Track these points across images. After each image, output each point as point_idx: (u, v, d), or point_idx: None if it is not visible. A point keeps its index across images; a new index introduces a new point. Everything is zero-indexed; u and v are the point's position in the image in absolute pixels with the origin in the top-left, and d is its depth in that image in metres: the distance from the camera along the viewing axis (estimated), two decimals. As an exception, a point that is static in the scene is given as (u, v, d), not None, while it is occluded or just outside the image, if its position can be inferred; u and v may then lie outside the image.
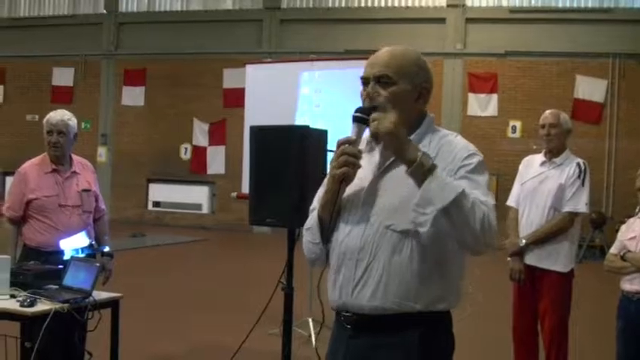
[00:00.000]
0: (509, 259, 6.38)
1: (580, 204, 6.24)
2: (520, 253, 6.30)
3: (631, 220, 5.80)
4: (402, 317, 2.91)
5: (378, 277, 2.91)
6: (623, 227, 5.82)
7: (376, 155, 3.06)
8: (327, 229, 3.07)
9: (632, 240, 5.60)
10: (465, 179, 2.88)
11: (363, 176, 2.99)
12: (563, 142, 6.42)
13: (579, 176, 6.26)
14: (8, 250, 5.72)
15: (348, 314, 3.02)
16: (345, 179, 2.92)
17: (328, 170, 3.10)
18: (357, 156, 2.90)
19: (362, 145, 3.01)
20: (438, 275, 2.93)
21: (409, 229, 2.86)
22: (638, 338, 5.44)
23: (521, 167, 6.63)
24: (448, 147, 2.99)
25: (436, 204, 2.71)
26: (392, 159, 2.97)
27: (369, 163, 3.03)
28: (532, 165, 6.54)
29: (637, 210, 5.75)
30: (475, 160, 2.96)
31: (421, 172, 2.76)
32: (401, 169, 2.89)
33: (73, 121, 6.00)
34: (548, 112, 6.52)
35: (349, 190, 3.00)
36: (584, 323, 9.60)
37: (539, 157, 6.51)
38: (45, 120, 5.97)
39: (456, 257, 3.00)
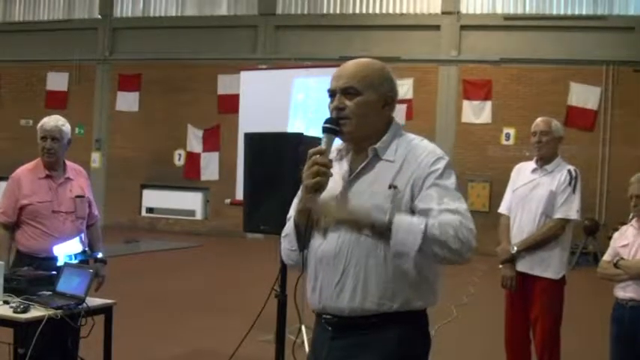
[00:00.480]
0: (500, 266, 6.39)
1: (571, 211, 6.25)
2: (512, 260, 6.31)
3: (624, 227, 5.81)
4: (381, 317, 3.05)
5: (356, 279, 3.05)
6: (616, 234, 5.83)
7: (344, 163, 3.21)
8: (303, 237, 3.18)
9: (625, 247, 5.61)
10: (435, 186, 3.01)
11: (335, 184, 3.11)
12: (555, 150, 6.45)
13: (570, 183, 6.28)
14: (1, 256, 5.70)
15: (328, 317, 3.15)
16: (318, 188, 3.01)
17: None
18: (328, 165, 3.02)
19: (332, 155, 3.16)
20: (414, 275, 3.01)
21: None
22: (632, 345, 5.45)
23: (512, 174, 6.66)
24: (415, 152, 3.11)
25: (410, 252, 2.91)
26: (360, 167, 3.13)
27: (339, 171, 3.16)
28: (523, 172, 6.56)
29: (630, 217, 5.77)
30: (441, 164, 3.07)
31: (383, 230, 2.94)
32: (369, 177, 3.11)
33: (67, 127, 5.99)
34: (539, 119, 6.54)
35: (321, 198, 3.08)
36: (578, 330, 9.61)
37: (531, 165, 6.53)
38: (39, 126, 5.96)
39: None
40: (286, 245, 3.28)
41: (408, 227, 2.91)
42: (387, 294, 3.03)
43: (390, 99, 3.18)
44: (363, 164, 3.12)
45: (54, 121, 5.94)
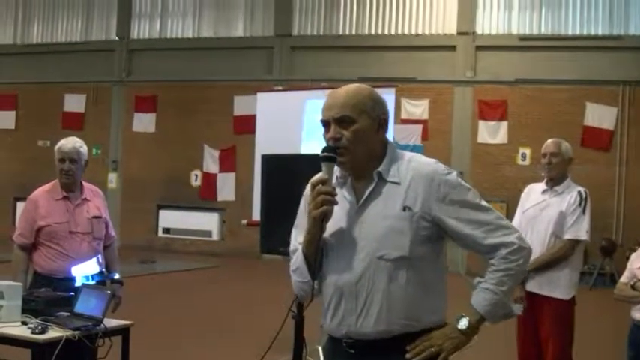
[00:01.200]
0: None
1: (581, 231, 6.28)
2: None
3: (641, 248, 5.80)
4: (406, 336, 3.09)
5: (380, 305, 3.08)
6: (633, 255, 5.83)
7: (349, 190, 3.22)
8: (313, 266, 3.20)
9: (642, 268, 5.60)
10: (461, 207, 3.13)
11: (341, 212, 3.15)
12: (565, 171, 6.50)
13: (580, 204, 6.32)
14: (19, 277, 5.73)
15: (350, 340, 3.16)
16: (325, 217, 3.08)
17: (304, 208, 3.32)
18: (333, 194, 3.09)
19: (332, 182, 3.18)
20: (430, 291, 3.14)
21: (402, 256, 3.07)
22: (649, 367, 5.43)
23: (522, 195, 6.71)
24: (420, 171, 3.15)
25: (509, 313, 3.22)
26: (368, 192, 3.15)
27: (342, 198, 3.18)
28: (533, 193, 6.61)
29: (647, 239, 5.75)
30: (456, 186, 3.15)
31: (477, 326, 3.15)
32: (379, 201, 3.14)
33: (84, 149, 6.04)
34: (549, 141, 6.61)
35: (330, 227, 3.14)
36: (594, 351, 9.56)
37: (541, 186, 6.58)
38: (57, 148, 6.00)
39: (440, 270, 3.25)
40: (297, 278, 3.30)
41: (494, 307, 3.12)
42: (411, 315, 3.08)
43: (383, 121, 3.21)
44: (370, 189, 3.14)
45: (72, 143, 5.98)
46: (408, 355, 3.05)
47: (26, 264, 5.95)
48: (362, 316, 3.09)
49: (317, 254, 3.16)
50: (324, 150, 3.14)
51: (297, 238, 3.32)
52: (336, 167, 3.16)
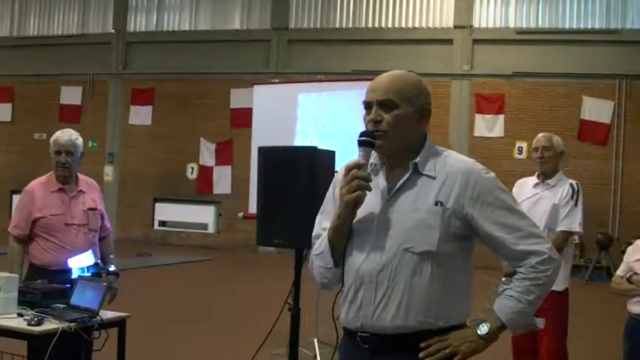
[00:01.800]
0: (503, 279, 6.39)
1: (574, 224, 6.32)
2: (514, 273, 6.30)
3: (638, 241, 5.79)
4: (423, 334, 2.99)
5: (400, 298, 2.98)
6: (630, 249, 5.82)
7: (381, 178, 3.12)
8: (338, 253, 3.11)
9: (638, 262, 5.59)
10: (497, 208, 3.04)
11: (371, 199, 3.04)
12: (557, 164, 6.56)
13: (572, 197, 6.36)
14: (14, 269, 5.72)
15: (365, 335, 3.06)
16: (357, 203, 2.98)
17: (332, 194, 3.21)
18: (368, 179, 2.99)
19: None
20: (455, 291, 3.05)
21: (429, 250, 2.97)
22: (645, 360, 5.43)
23: (515, 189, 6.71)
24: (455, 170, 3.06)
25: (532, 325, 3.14)
26: (401, 182, 3.05)
27: (374, 186, 3.07)
28: (526, 187, 6.65)
29: (643, 232, 5.75)
30: (493, 187, 3.08)
31: (498, 333, 3.05)
32: (412, 192, 3.04)
33: (80, 141, 6.03)
34: (540, 135, 6.67)
35: (359, 213, 3.04)
36: (591, 345, 9.58)
37: (533, 179, 6.64)
38: (52, 140, 5.98)
39: (467, 272, 3.15)
40: (319, 263, 3.18)
41: (517, 315, 3.03)
42: (431, 312, 2.98)
43: (426, 112, 3.12)
44: (403, 179, 3.05)
45: (68, 135, 5.96)
46: (421, 355, 2.96)
47: (22, 256, 5.94)
48: (380, 308, 2.99)
49: (344, 241, 3.08)
50: (362, 134, 3.04)
51: (322, 223, 3.22)
52: (372, 152, 3.08)
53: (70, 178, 6.00)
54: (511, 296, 3.03)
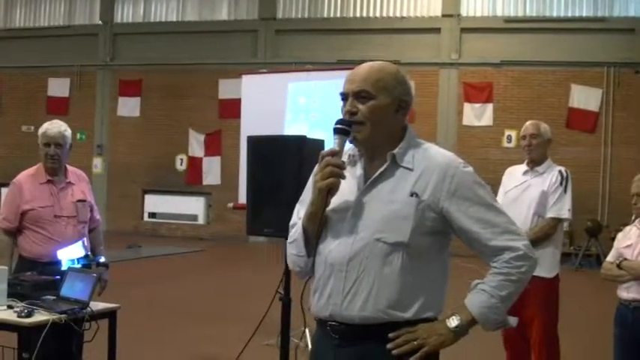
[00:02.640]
0: None
1: (563, 210, 6.33)
2: None
3: (627, 227, 5.81)
4: (393, 326, 2.96)
5: (369, 288, 2.95)
6: (620, 235, 5.83)
7: (358, 168, 3.11)
8: (311, 242, 3.10)
9: (628, 248, 5.61)
10: (474, 219, 3.01)
11: (347, 189, 3.04)
12: (545, 152, 6.58)
13: (562, 183, 6.38)
14: (4, 262, 5.70)
15: (334, 324, 3.05)
16: (331, 191, 2.97)
17: (310, 183, 3.17)
18: (342, 167, 2.97)
19: (344, 158, 3.07)
20: (426, 284, 3.01)
21: (401, 241, 2.94)
22: (636, 346, 5.45)
23: (504, 177, 6.75)
24: (433, 163, 3.04)
25: (503, 321, 3.05)
26: (378, 172, 3.04)
27: (351, 175, 3.07)
28: (515, 174, 6.66)
29: (633, 218, 5.77)
30: (470, 181, 3.06)
31: (468, 328, 3.01)
32: (388, 183, 3.02)
33: (69, 133, 6.00)
34: (528, 123, 6.69)
35: (333, 202, 3.03)
36: (581, 331, 9.62)
37: (522, 167, 6.65)
38: (41, 132, 5.94)
39: (442, 267, 3.11)
40: (293, 251, 3.17)
41: (488, 310, 2.99)
42: (400, 304, 2.95)
43: (404, 103, 3.08)
44: (380, 170, 3.02)
45: (57, 127, 5.93)
46: (389, 345, 2.93)
47: (11, 248, 5.92)
48: (348, 298, 2.97)
49: (317, 229, 3.06)
50: (338, 122, 3.02)
51: (300, 212, 3.19)
52: (351, 145, 3.07)
53: (59, 170, 5.97)
54: (483, 290, 3.00)
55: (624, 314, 5.55)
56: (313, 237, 3.09)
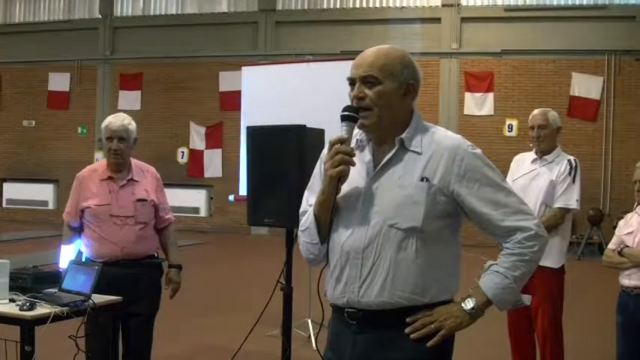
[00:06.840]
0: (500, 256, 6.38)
1: (571, 200, 6.26)
2: None
3: (628, 215, 5.81)
4: (410, 310, 2.99)
5: (385, 274, 2.97)
6: (621, 222, 5.83)
7: (367, 154, 3.11)
8: (324, 229, 3.10)
9: (629, 235, 5.61)
10: (483, 185, 3.02)
11: (357, 175, 3.04)
12: (554, 141, 6.47)
13: (570, 173, 6.30)
14: None
15: (352, 310, 3.06)
16: (341, 178, 2.97)
17: (319, 170, 3.20)
18: (351, 154, 2.98)
19: (352, 144, 3.07)
20: (441, 268, 3.03)
21: (414, 227, 2.96)
22: (638, 332, 5.45)
23: (512, 165, 6.66)
24: (443, 143, 3.04)
25: (515, 302, 3.11)
26: (387, 157, 3.04)
27: (360, 161, 3.07)
28: (523, 162, 6.58)
29: (635, 205, 5.76)
30: (479, 163, 3.05)
31: (483, 309, 3.06)
32: (398, 168, 3.02)
33: (133, 126, 5.84)
34: (536, 112, 6.57)
35: (344, 189, 3.03)
36: (584, 319, 9.62)
37: (531, 155, 6.56)
38: (104, 126, 5.76)
39: (455, 249, 3.14)
40: (305, 239, 3.17)
41: (502, 291, 3.02)
42: (417, 289, 2.97)
43: (411, 87, 3.08)
44: (389, 155, 3.03)
45: (120, 120, 5.75)
46: (407, 330, 2.96)
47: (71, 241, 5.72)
48: (365, 285, 2.99)
49: (329, 216, 3.06)
50: (345, 109, 3.03)
51: (309, 199, 3.20)
52: (359, 130, 3.07)
53: (122, 165, 5.73)
54: (497, 272, 3.03)
55: (626, 301, 5.56)
56: (325, 224, 3.09)
